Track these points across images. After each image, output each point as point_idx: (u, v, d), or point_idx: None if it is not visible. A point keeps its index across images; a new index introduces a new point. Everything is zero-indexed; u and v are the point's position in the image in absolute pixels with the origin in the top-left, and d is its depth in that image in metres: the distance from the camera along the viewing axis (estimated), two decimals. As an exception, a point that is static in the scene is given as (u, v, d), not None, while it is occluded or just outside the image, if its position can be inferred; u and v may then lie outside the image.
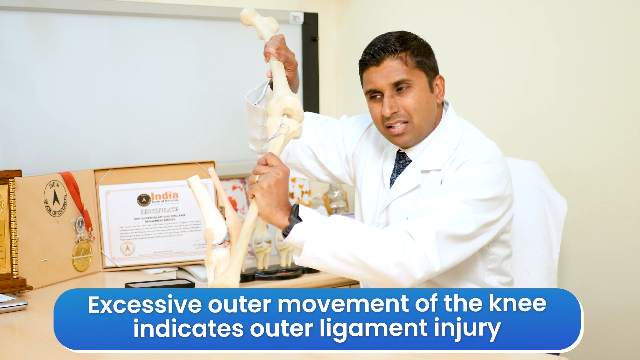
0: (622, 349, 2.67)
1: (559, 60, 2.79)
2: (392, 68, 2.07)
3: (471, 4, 3.05)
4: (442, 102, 2.19)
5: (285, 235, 1.88)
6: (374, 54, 2.08)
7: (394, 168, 2.21)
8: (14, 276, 2.31)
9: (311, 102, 3.49)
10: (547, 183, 2.46)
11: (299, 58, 3.45)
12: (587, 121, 2.73)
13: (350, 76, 3.52)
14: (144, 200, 2.71)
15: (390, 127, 2.11)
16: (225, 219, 1.91)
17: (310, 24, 3.46)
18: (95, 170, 2.70)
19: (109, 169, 2.71)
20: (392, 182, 2.20)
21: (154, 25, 3.06)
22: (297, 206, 1.86)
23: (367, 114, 2.32)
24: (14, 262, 2.32)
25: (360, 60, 2.13)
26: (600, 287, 2.72)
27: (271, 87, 2.24)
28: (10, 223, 2.32)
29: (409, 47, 2.09)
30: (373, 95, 2.12)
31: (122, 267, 2.67)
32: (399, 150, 2.20)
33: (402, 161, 2.19)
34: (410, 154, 2.17)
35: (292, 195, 3.43)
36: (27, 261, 2.38)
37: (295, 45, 3.44)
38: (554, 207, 2.43)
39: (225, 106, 3.27)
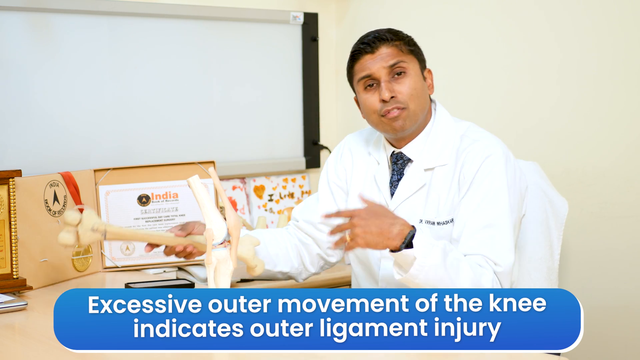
0: (623, 349, 2.67)
1: (559, 61, 2.79)
2: (388, 53, 2.08)
3: (471, 4, 3.05)
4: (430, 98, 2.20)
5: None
6: (369, 42, 2.09)
7: (394, 170, 2.18)
8: (14, 276, 2.31)
9: (311, 102, 3.49)
10: (548, 183, 2.45)
11: (299, 58, 3.45)
12: (587, 121, 2.73)
13: (351, 76, 3.51)
14: (144, 200, 2.71)
15: (386, 113, 2.09)
16: (225, 219, 1.91)
17: (310, 24, 3.46)
18: (95, 170, 2.70)
19: (109, 169, 2.71)
20: (392, 185, 2.18)
21: (154, 25, 3.06)
22: (413, 233, 1.88)
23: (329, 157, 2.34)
24: (14, 262, 2.32)
25: (354, 51, 2.12)
26: (600, 287, 2.72)
27: None
28: (10, 223, 2.32)
29: (401, 37, 2.12)
30: (368, 84, 2.10)
31: (122, 267, 2.67)
32: (393, 152, 2.18)
33: (400, 162, 2.17)
34: (407, 152, 2.15)
35: (292, 195, 3.43)
36: (27, 261, 2.38)
37: (295, 46, 3.44)
38: (555, 208, 2.43)
39: (226, 106, 3.27)
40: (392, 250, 1.88)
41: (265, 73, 3.37)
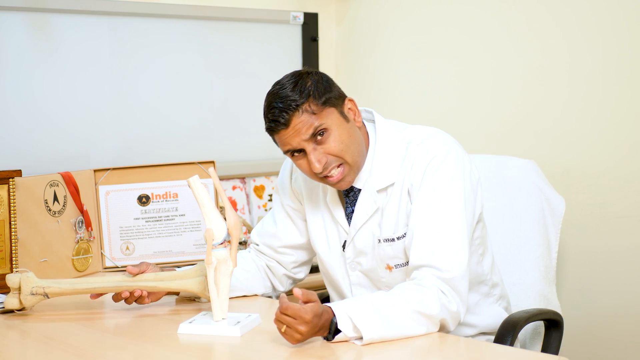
0: (622, 349, 2.67)
1: (559, 60, 2.79)
2: (303, 123, 1.93)
3: (471, 4, 3.05)
4: (362, 121, 2.08)
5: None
6: (278, 118, 1.93)
7: (347, 202, 2.11)
8: (14, 276, 2.31)
9: (311, 102, 3.48)
10: (545, 182, 2.45)
11: (299, 58, 3.45)
12: (587, 122, 2.73)
13: (351, 76, 3.52)
14: (144, 200, 2.71)
15: (326, 177, 2.00)
16: (225, 219, 1.91)
17: (310, 24, 3.46)
18: (95, 170, 2.70)
19: (108, 169, 2.71)
20: (348, 217, 2.11)
21: (154, 25, 3.06)
22: (334, 323, 1.79)
23: (283, 164, 2.27)
24: (14, 262, 2.32)
25: (267, 128, 1.98)
26: (599, 287, 2.72)
27: None
28: (10, 223, 2.32)
29: (307, 93, 1.95)
30: (295, 152, 1.98)
31: (122, 267, 2.67)
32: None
33: (351, 193, 2.10)
34: (356, 183, 2.07)
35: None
36: (27, 261, 2.38)
37: (295, 45, 3.45)
38: (552, 206, 2.43)
39: (226, 106, 3.27)
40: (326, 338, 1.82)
41: (265, 73, 3.36)
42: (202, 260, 2.57)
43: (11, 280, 2.01)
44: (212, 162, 2.74)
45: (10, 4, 2.73)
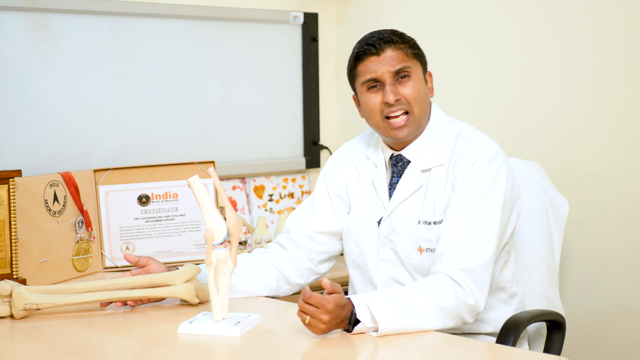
0: (623, 349, 2.67)
1: (560, 62, 2.79)
2: (394, 56, 2.07)
3: (471, 3, 3.05)
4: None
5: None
6: (374, 43, 2.07)
7: (394, 172, 2.17)
8: (14, 276, 2.31)
9: (311, 102, 3.49)
10: (549, 183, 2.45)
11: (299, 58, 3.45)
12: (587, 122, 2.73)
13: (351, 76, 3.51)
14: (144, 200, 2.71)
15: (389, 118, 2.08)
16: (225, 219, 1.91)
17: (310, 24, 3.46)
18: (95, 170, 2.70)
19: (109, 169, 2.71)
20: (391, 187, 2.17)
21: (155, 25, 3.06)
22: (354, 314, 1.83)
23: (331, 156, 2.32)
24: (14, 262, 2.32)
25: (359, 52, 2.09)
26: (601, 287, 2.71)
27: None
28: (10, 223, 2.32)
29: (406, 40, 2.11)
30: (371, 85, 2.09)
31: (122, 267, 2.67)
32: (392, 154, 2.17)
33: (400, 164, 2.16)
34: (406, 153, 2.14)
35: (292, 195, 3.43)
36: (27, 261, 2.38)
37: (295, 45, 3.44)
38: (556, 208, 2.43)
39: (226, 106, 3.27)
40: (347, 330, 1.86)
41: (265, 73, 3.37)
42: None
43: (2, 288, 2.00)
44: (212, 162, 2.74)
45: (10, 4, 2.73)
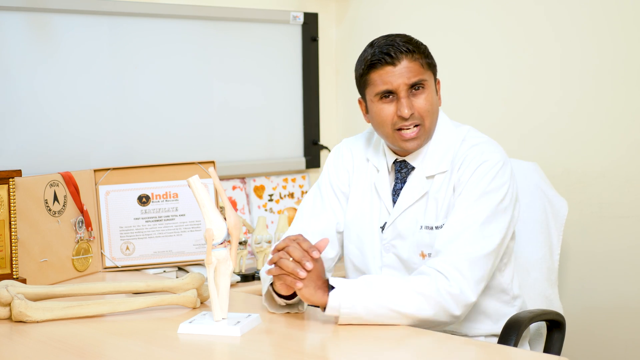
0: (623, 349, 2.67)
1: (559, 62, 2.79)
2: (410, 68, 2.03)
3: (471, 4, 3.05)
4: None
5: (324, 309, 1.87)
6: (390, 52, 2.02)
7: (397, 178, 2.16)
8: (14, 276, 2.31)
9: (311, 102, 3.49)
10: (548, 184, 2.46)
11: (299, 58, 3.45)
12: (587, 122, 2.73)
13: (350, 76, 3.51)
14: (144, 200, 2.71)
15: (400, 129, 2.06)
16: (225, 219, 1.91)
17: (310, 24, 3.46)
18: (95, 170, 2.70)
19: (109, 169, 2.71)
20: (394, 193, 2.16)
21: (154, 25, 3.06)
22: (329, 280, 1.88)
23: (330, 153, 2.30)
24: (14, 262, 2.32)
25: (373, 60, 2.04)
26: (600, 287, 2.72)
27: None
28: (10, 223, 2.32)
29: (421, 49, 2.07)
30: (385, 95, 2.05)
31: (122, 267, 2.67)
32: (396, 159, 2.16)
33: (404, 170, 2.15)
34: (412, 160, 2.13)
35: (292, 195, 3.43)
36: (27, 261, 2.38)
37: (295, 45, 3.45)
38: (555, 208, 2.43)
39: (226, 106, 3.27)
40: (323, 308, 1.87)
41: (265, 73, 3.37)
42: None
43: (2, 297, 2.00)
44: (212, 162, 2.74)
45: (10, 4, 2.73)
